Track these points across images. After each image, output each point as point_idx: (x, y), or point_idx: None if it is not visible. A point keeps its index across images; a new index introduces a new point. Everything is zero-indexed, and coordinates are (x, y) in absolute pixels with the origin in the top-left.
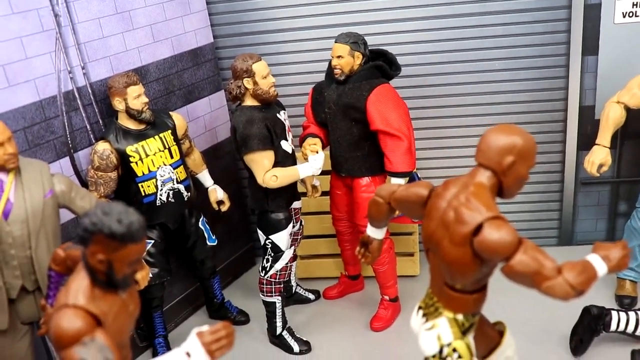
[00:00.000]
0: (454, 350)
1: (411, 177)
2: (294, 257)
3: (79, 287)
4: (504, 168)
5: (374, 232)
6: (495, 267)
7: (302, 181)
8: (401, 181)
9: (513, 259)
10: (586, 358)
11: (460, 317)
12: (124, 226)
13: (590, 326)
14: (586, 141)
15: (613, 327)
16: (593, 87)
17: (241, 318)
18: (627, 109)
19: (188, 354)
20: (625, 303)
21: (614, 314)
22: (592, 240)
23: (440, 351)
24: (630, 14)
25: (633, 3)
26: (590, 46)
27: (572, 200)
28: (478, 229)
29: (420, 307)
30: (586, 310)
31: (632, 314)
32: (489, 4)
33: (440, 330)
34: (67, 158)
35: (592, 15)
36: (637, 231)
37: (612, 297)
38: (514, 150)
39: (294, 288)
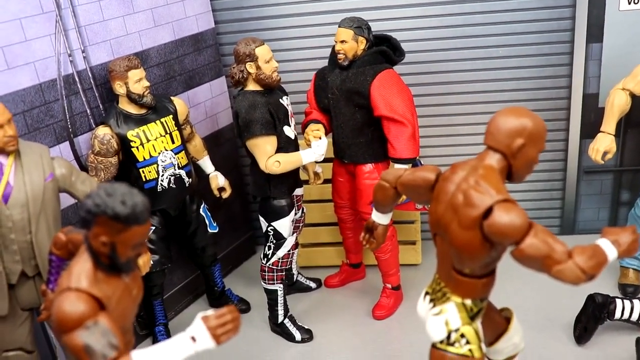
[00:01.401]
0: (462, 335)
1: (414, 164)
2: (296, 245)
3: (81, 270)
4: (513, 151)
5: (380, 218)
6: (504, 251)
7: (304, 168)
8: (405, 168)
9: (523, 243)
10: (590, 346)
11: (468, 302)
12: (128, 207)
13: (595, 314)
14: (589, 129)
15: (617, 315)
16: (597, 74)
17: (242, 306)
18: (632, 96)
19: (193, 339)
20: (628, 291)
21: (618, 302)
22: (594, 229)
23: (448, 337)
24: (636, 1)
25: None
26: (595, 33)
27: (574, 189)
28: (488, 212)
29: (427, 293)
30: (590, 298)
31: (636, 302)
32: None
33: (448, 316)
34: (67, 143)
35: (597, 2)
36: None
37: (616, 285)
38: (524, 133)
39: (295, 276)
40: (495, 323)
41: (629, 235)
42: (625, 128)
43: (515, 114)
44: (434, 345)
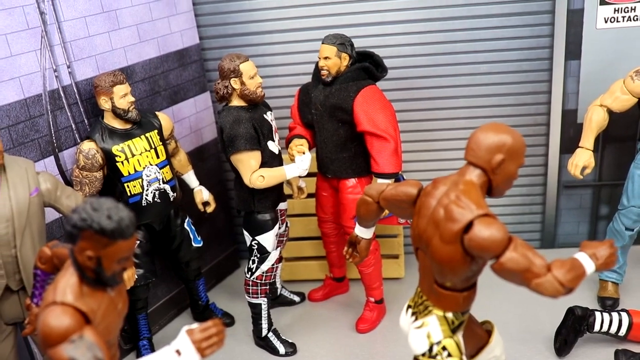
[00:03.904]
0: (444, 348)
1: (397, 178)
2: (280, 259)
3: (67, 284)
4: (493, 166)
5: (363, 232)
6: (485, 265)
7: (288, 182)
8: (387, 182)
9: (503, 256)
10: (570, 358)
11: (450, 315)
12: (114, 222)
13: (575, 327)
14: (568, 145)
15: (597, 327)
16: (575, 91)
17: (226, 320)
18: (610, 113)
19: (178, 352)
20: (607, 304)
21: (598, 314)
22: (574, 243)
23: (430, 350)
24: (612, 20)
25: (615, 9)
26: (573, 51)
27: (554, 203)
28: (468, 226)
29: (409, 306)
30: (570, 311)
31: (615, 314)
32: (474, 8)
33: (430, 329)
34: (52, 157)
35: (575, 21)
36: (619, 233)
37: (595, 298)
38: (503, 149)
39: (278, 290)
40: (477, 336)
41: (606, 249)
42: (603, 143)
43: (495, 130)
44: (416, 358)
